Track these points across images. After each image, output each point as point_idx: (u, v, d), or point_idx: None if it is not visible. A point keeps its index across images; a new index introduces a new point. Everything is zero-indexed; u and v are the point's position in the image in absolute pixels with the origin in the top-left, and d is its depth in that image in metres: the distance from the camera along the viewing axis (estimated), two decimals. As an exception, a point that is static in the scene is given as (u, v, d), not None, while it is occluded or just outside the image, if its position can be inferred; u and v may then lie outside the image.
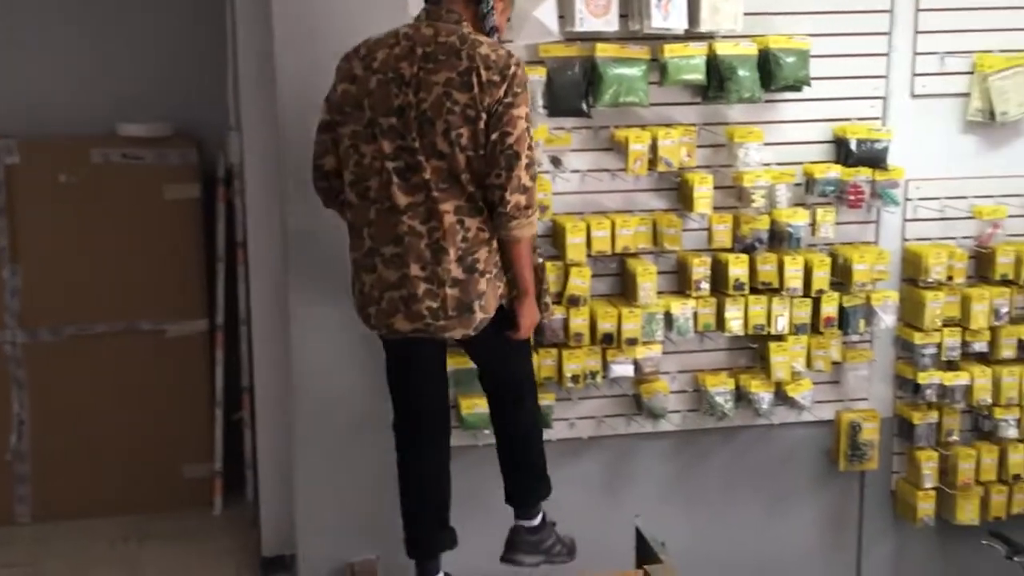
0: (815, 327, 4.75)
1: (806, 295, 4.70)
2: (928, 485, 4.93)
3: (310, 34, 3.55)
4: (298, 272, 3.50)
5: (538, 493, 3.87)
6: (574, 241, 4.50)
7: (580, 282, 4.54)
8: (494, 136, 3.13)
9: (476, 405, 4.56)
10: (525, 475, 3.82)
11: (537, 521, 3.89)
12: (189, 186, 5.29)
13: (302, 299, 3.53)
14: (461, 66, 3.11)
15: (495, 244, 3.26)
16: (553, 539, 3.85)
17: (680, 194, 4.64)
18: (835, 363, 4.86)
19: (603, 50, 4.40)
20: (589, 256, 4.54)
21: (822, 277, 4.69)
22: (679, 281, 4.73)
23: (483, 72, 3.10)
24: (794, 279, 4.66)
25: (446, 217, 3.19)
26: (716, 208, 4.62)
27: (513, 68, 3.14)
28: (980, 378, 4.84)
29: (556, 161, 4.50)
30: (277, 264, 3.71)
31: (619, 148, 4.54)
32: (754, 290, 4.67)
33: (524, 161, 3.15)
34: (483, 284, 3.24)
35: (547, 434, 4.70)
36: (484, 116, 3.11)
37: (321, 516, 3.69)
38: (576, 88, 4.40)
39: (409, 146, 3.17)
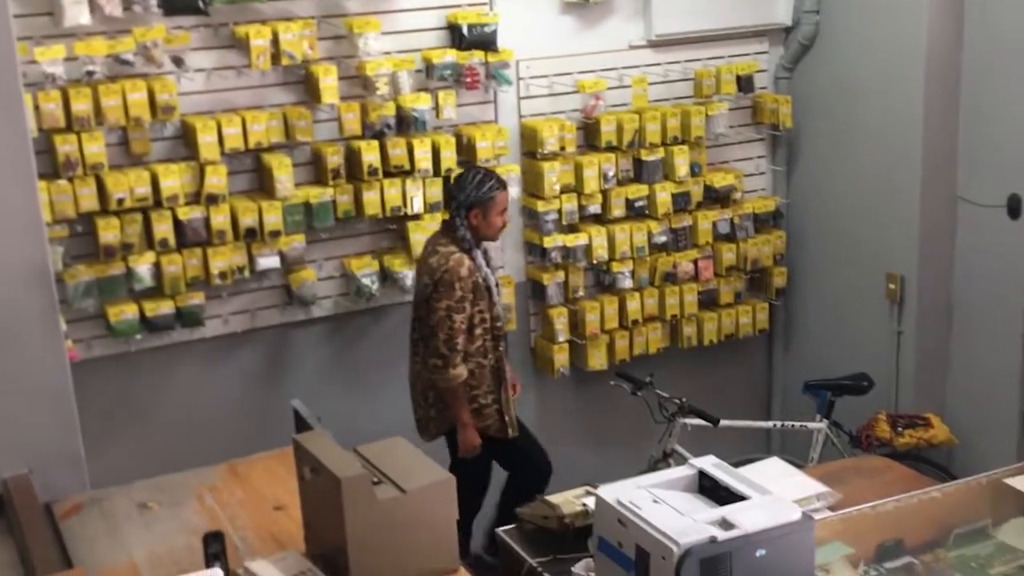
0: (448, 204, 5.05)
1: (437, 175, 4.99)
2: (561, 339, 5.44)
3: None
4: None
5: None
6: (206, 140, 4.55)
7: (217, 180, 4.61)
8: (426, 318, 4.44)
9: (123, 312, 4.58)
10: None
11: (492, 560, 4.48)
12: None
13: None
14: (423, 269, 4.50)
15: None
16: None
17: (307, 87, 4.77)
18: (469, 236, 5.21)
19: (212, -53, 4.40)
20: (223, 154, 4.61)
21: (450, 157, 4.99)
22: (315, 171, 4.89)
23: (424, 276, 4.47)
24: (424, 160, 4.94)
25: (415, 367, 4.66)
26: (344, 98, 4.79)
27: (439, 274, 4.39)
28: (597, 237, 5.35)
29: (178, 61, 4.49)
30: None
31: (241, 44, 4.59)
32: (388, 174, 4.91)
33: (442, 337, 4.39)
34: (433, 412, 4.64)
35: (201, 332, 4.81)
36: (423, 304, 4.45)
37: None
38: (190, -15, 4.40)
39: (415, 317, 4.63)
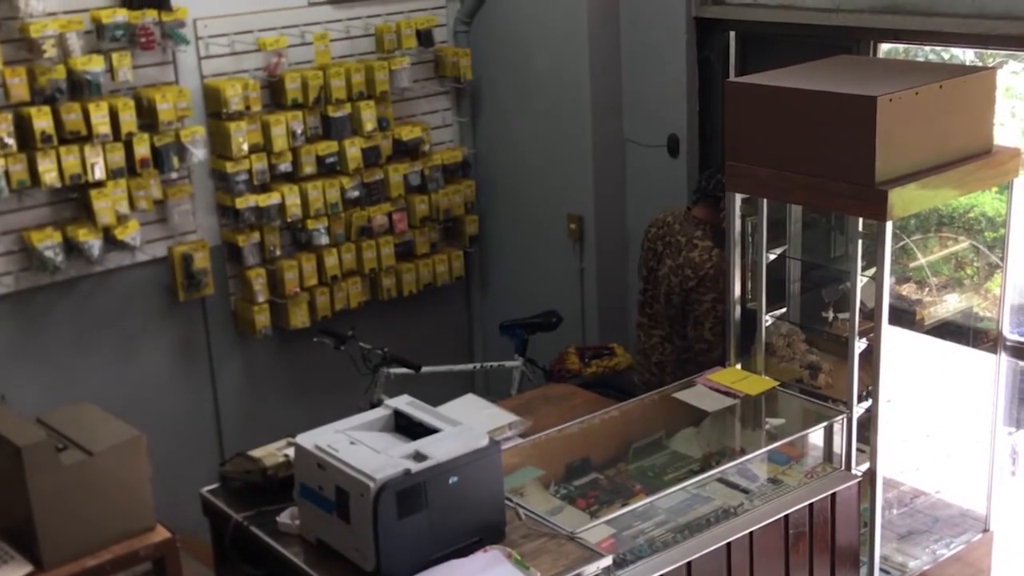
0: (132, 170, 4.93)
1: (117, 140, 4.84)
2: (261, 300, 5.42)
3: None
4: None
5: None
6: None
7: None
8: (684, 306, 4.60)
9: None
10: None
11: None
12: None
13: None
14: (679, 259, 4.60)
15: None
16: None
17: (-35, 51, 4.50)
18: (158, 202, 5.09)
19: None
20: None
21: (129, 120, 4.84)
22: (-18, 141, 4.63)
23: (686, 270, 4.57)
24: (102, 125, 4.77)
25: (651, 339, 4.81)
26: (8, 62, 4.56)
27: (704, 270, 4.54)
28: (290, 195, 5.35)
29: None
30: None
31: None
32: (64, 141, 4.71)
33: (708, 326, 4.57)
34: (663, 379, 4.65)
35: None
36: (679, 294, 4.61)
37: None
38: None
39: (652, 294, 4.79)
